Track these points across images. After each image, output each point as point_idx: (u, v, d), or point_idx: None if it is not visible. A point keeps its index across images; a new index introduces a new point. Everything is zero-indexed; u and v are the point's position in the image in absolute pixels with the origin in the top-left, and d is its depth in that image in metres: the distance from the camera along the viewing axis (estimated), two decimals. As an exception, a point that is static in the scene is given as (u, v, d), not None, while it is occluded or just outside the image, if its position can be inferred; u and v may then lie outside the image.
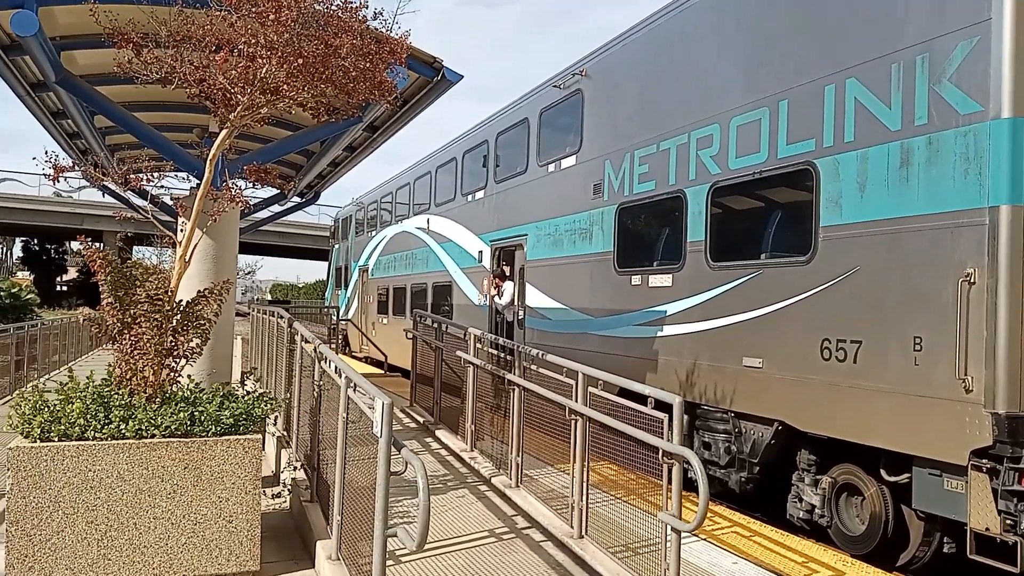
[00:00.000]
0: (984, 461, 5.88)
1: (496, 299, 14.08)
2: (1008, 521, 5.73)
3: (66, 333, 23.09)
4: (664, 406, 5.47)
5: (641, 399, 5.88)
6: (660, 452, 5.23)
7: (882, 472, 7.07)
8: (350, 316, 26.46)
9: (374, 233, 24.13)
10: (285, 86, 6.14)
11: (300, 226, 59.36)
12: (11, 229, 64.02)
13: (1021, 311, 5.79)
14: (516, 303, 13.83)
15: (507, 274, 14.20)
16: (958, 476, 6.13)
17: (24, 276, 63.15)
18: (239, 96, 6.17)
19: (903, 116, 6.61)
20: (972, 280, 5.94)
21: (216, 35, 5.79)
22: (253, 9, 5.62)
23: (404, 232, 20.72)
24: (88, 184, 7.24)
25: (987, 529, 5.88)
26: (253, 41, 5.68)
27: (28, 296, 41.64)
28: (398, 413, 12.33)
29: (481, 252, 15.34)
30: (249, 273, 59.01)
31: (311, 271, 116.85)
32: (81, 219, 52.87)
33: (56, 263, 70.70)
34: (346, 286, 27.70)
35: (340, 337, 27.69)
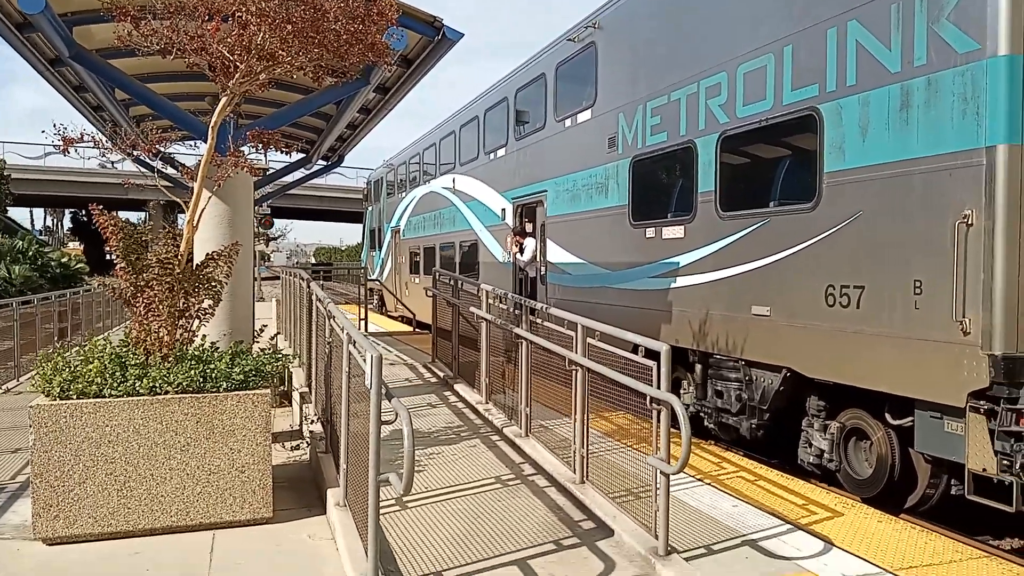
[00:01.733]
0: (982, 403, 5.88)
1: (518, 256, 14.19)
2: (1004, 462, 5.75)
3: (110, 300, 23.79)
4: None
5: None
6: (648, 398, 5.34)
7: (887, 416, 7.11)
8: (384, 277, 26.84)
9: (404, 194, 24.33)
10: (281, 52, 6.27)
11: (338, 189, 59.87)
12: (60, 201, 65.77)
13: (1018, 252, 5.74)
14: (538, 259, 13.93)
15: (528, 231, 14.28)
16: (957, 418, 6.15)
17: (74, 247, 64.87)
18: (237, 63, 6.31)
19: (903, 57, 6.51)
20: (970, 222, 5.89)
21: (208, 4, 5.92)
22: (242, -24, 5.73)
23: (432, 192, 20.88)
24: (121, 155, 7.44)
25: (984, 470, 5.90)
26: (244, 8, 5.80)
27: (77, 266, 42.78)
28: (420, 369, 12.61)
29: (504, 210, 15.43)
30: (280, 236, 59.57)
31: (354, 234, 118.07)
32: (125, 189, 53.98)
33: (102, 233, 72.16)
34: (380, 247, 28.04)
35: (376, 297, 28.15)
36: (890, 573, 5.11)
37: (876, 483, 7.37)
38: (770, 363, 8.17)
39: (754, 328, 8.29)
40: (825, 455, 7.82)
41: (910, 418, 6.74)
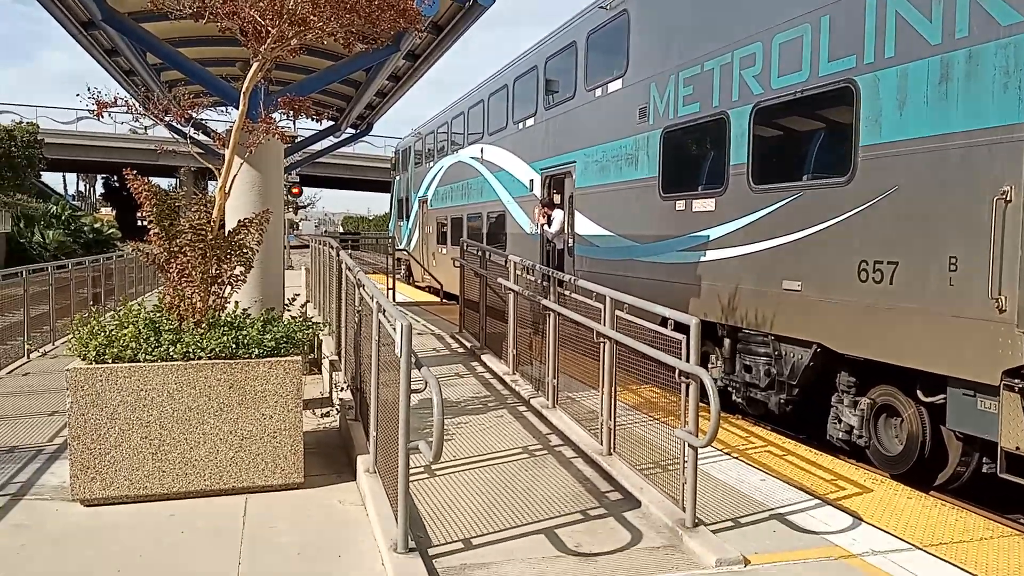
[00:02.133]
0: (1016, 381, 5.82)
1: (546, 227, 14.15)
2: (1038, 440, 5.69)
3: (143, 266, 24.10)
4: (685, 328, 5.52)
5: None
6: (677, 372, 5.33)
7: (919, 393, 7.05)
8: (412, 247, 26.91)
9: (432, 164, 24.31)
10: (312, 17, 6.24)
11: (367, 158, 59.90)
12: (91, 166, 66.38)
13: (1059, 229, 5.62)
14: (566, 231, 13.88)
15: (556, 202, 14.22)
16: (991, 396, 6.08)
17: (106, 212, 65.70)
18: (268, 28, 6.30)
19: (943, 29, 6.36)
20: (1008, 198, 5.78)
21: (242, -32, 5.90)
22: (275, -59, 5.70)
23: (460, 162, 20.84)
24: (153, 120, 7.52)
25: (1017, 448, 5.85)
26: (277, -27, 5.78)
27: (110, 231, 43.38)
28: (448, 339, 12.66)
29: (532, 181, 15.37)
30: (308, 205, 59.79)
31: (381, 203, 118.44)
32: (155, 155, 54.47)
33: (136, 198, 72.97)
34: (407, 217, 28.09)
35: (404, 267, 28.25)
36: (920, 549, 5.09)
37: (906, 460, 7.33)
38: (800, 338, 8.12)
39: (784, 303, 8.23)
40: (855, 431, 7.78)
41: (942, 395, 6.69)
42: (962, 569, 4.79)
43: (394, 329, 5.09)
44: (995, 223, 5.83)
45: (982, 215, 5.96)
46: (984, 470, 6.95)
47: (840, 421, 8.00)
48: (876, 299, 7.03)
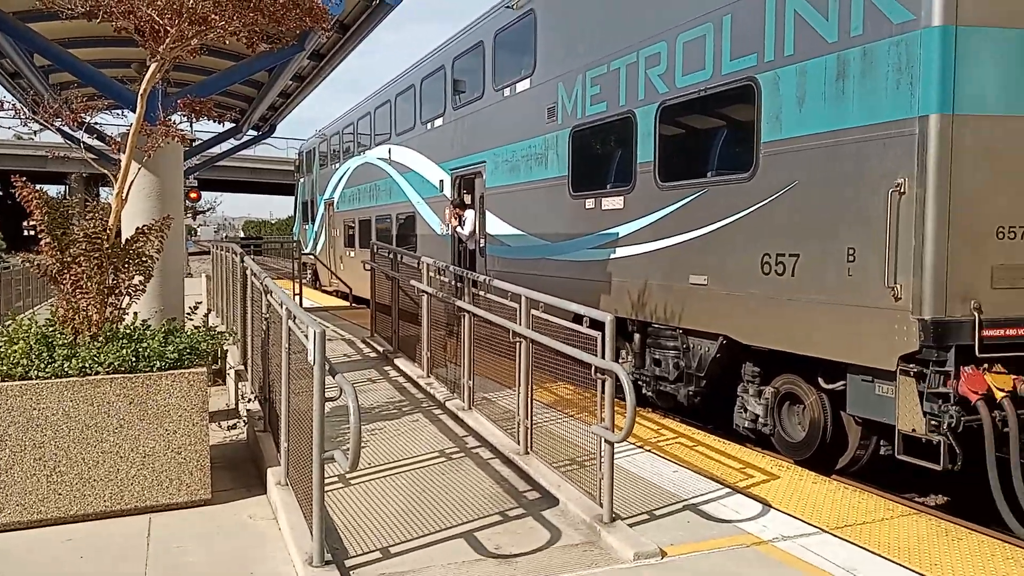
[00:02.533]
0: (912, 366, 6.08)
1: (458, 228, 14.08)
2: (932, 422, 5.97)
3: (31, 278, 22.86)
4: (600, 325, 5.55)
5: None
6: (593, 368, 5.35)
7: (820, 381, 7.30)
8: (318, 250, 26.39)
9: (338, 165, 23.89)
10: (214, 16, 6.01)
11: (268, 160, 58.46)
12: (-28, 174, 62.61)
13: (948, 220, 5.90)
14: (477, 231, 13.84)
15: (467, 203, 14.17)
16: (888, 381, 6.34)
17: (-11, 221, 62.01)
18: (167, 27, 6.03)
19: (840, 27, 6.59)
20: (902, 190, 6.03)
21: (135, -37, 5.63)
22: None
23: (367, 163, 20.54)
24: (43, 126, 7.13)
25: (913, 430, 6.12)
26: (172, -31, 5.53)
27: (-6, 242, 40.99)
28: (359, 344, 12.45)
29: (442, 181, 15.28)
30: (208, 210, 58.10)
31: (284, 206, 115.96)
32: (44, 161, 51.72)
33: (22, 207, 69.28)
34: (313, 220, 27.54)
35: (310, 272, 27.69)
36: (827, 532, 5.26)
37: (809, 446, 7.58)
38: (707, 331, 8.30)
39: (692, 297, 8.40)
40: (760, 420, 8.00)
41: (842, 382, 6.94)
42: (866, 550, 4.97)
43: (306, 336, 4.94)
44: (890, 215, 6.07)
45: (878, 207, 6.20)
46: (882, 452, 7.25)
47: (746, 410, 8.21)
48: (779, 291, 7.24)
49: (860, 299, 6.40)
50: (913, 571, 4.65)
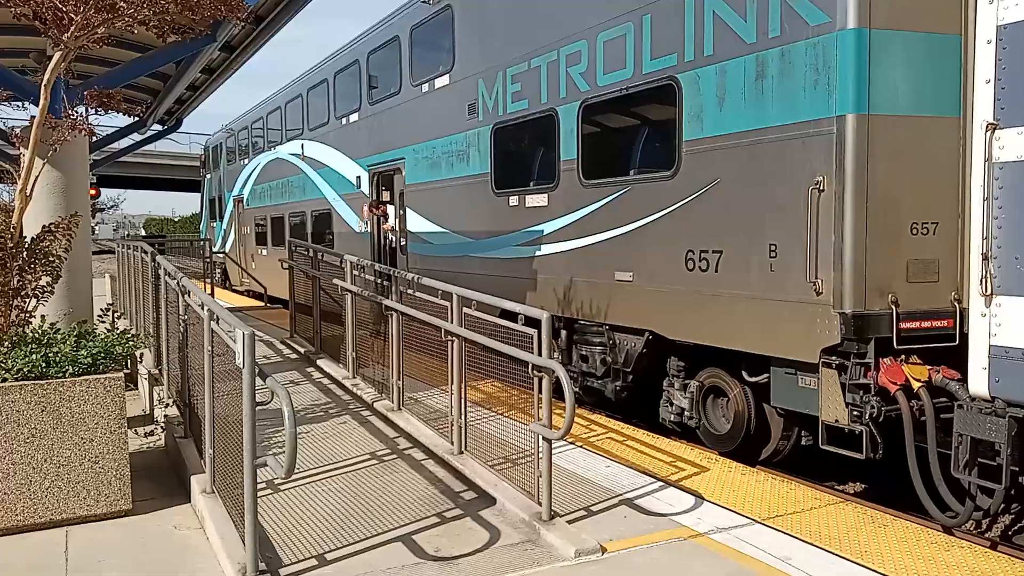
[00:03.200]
0: (833, 358, 6.28)
1: (384, 225, 13.86)
2: (855, 412, 6.18)
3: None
4: (535, 322, 5.54)
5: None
6: (530, 366, 5.34)
7: (744, 374, 7.48)
8: (227, 249, 25.60)
9: (247, 161, 23.22)
10: (122, 3, 5.72)
11: (172, 156, 56.55)
12: None
13: (865, 216, 6.11)
14: (397, 228, 13.67)
15: (387, 199, 13.97)
16: (811, 373, 6.54)
17: None
18: (72, 15, 5.71)
19: (758, 28, 6.75)
20: (821, 188, 6.22)
21: (38, -54, 5.30)
22: (78, -84, 5.16)
23: (278, 159, 20.02)
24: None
25: (836, 421, 6.33)
26: (80, -47, 5.24)
27: None
28: (279, 345, 12.13)
29: (359, 177, 15.02)
30: (112, 207, 55.81)
31: (188, 204, 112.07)
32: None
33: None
34: (221, 218, 26.70)
35: (219, 271, 26.82)
36: (759, 522, 5.39)
37: (734, 438, 7.76)
38: (633, 327, 8.41)
39: (617, 293, 8.49)
40: (686, 413, 8.15)
41: (766, 375, 7.13)
42: (799, 539, 5.11)
43: (233, 339, 4.75)
44: (810, 211, 6.26)
45: (798, 204, 6.38)
46: (803, 443, 7.50)
47: (672, 404, 8.35)
48: (703, 287, 7.39)
49: (782, 294, 6.59)
50: (844, 558, 4.81)
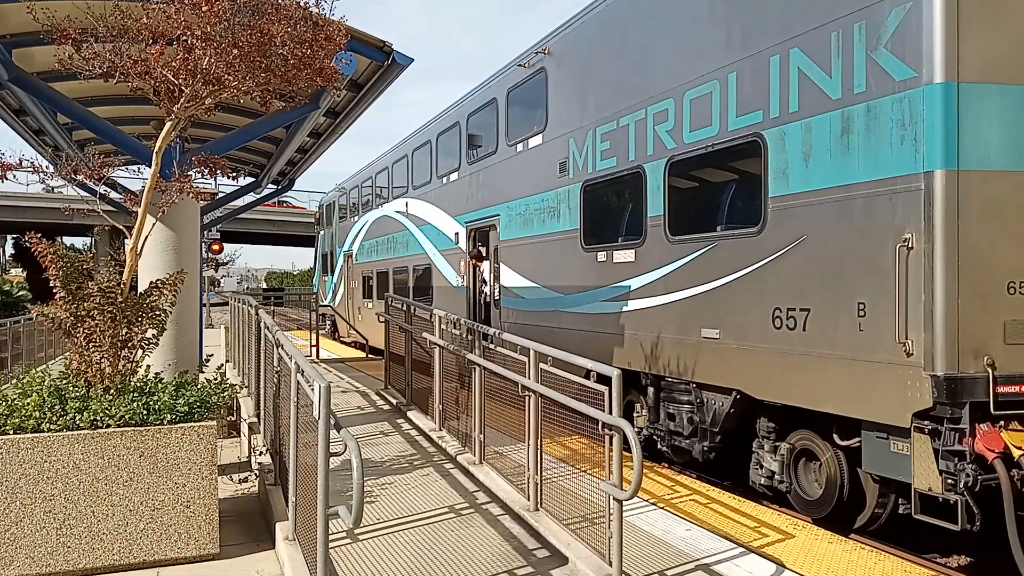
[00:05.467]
0: (926, 423, 6.00)
1: (482, 278, 14.15)
2: (949, 481, 5.86)
3: (52, 330, 23.11)
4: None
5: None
6: (600, 424, 5.33)
7: (835, 437, 7.21)
8: (336, 302, 26.57)
9: (356, 218, 24.19)
10: (227, 76, 6.19)
11: (290, 213, 59.28)
12: (1, 227, 63.85)
13: (957, 274, 5.87)
14: (490, 283, 13.92)
15: (484, 254, 14.28)
16: (903, 438, 6.25)
17: (17, 273, 63.15)
18: (182, 87, 6.22)
19: (843, 84, 6.67)
20: (910, 245, 6.03)
21: (152, 28, 5.83)
22: (186, 1, 5.66)
23: (385, 216, 20.78)
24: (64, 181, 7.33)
25: (930, 489, 6.01)
26: (188, 32, 5.72)
27: (20, 293, 41.67)
28: (373, 396, 12.46)
29: (457, 234, 15.42)
30: (228, 262, 58.83)
31: (306, 258, 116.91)
32: (69, 215, 52.66)
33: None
34: (332, 272, 27.78)
35: (328, 323, 27.85)
36: (840, 594, 5.15)
37: (826, 504, 7.45)
38: (720, 385, 8.24)
39: (704, 351, 8.36)
40: (776, 476, 7.89)
41: (857, 439, 6.85)
42: (882, 611, 4.86)
43: (312, 390, 4.97)
44: (899, 269, 6.06)
45: (886, 262, 6.19)
46: (900, 511, 7.11)
47: (762, 467, 8.10)
48: (791, 345, 7.21)
49: (872, 354, 6.36)
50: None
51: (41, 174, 6.68)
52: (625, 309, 9.73)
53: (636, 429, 5.26)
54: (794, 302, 7.16)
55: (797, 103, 7.15)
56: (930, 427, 5.99)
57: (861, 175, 6.51)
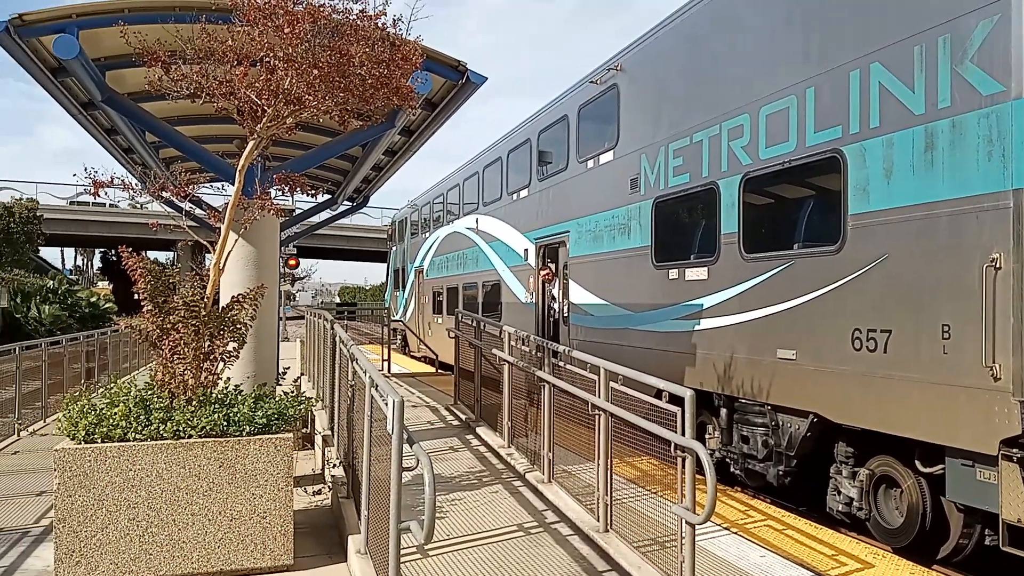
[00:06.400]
0: (1015, 451, 5.74)
1: (553, 294, 14.18)
2: (1040, 511, 5.59)
3: (136, 340, 23.98)
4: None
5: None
6: (672, 446, 5.26)
7: (917, 463, 6.95)
8: (408, 317, 26.92)
9: (428, 234, 24.51)
10: (307, 96, 6.37)
11: (364, 229, 60.47)
12: (90, 241, 66.81)
13: (1050, 296, 5.62)
14: (560, 300, 13.92)
15: (553, 271, 14.30)
16: (990, 466, 5.99)
17: (104, 286, 65.85)
18: (265, 107, 6.43)
19: (927, 99, 6.48)
20: (998, 265, 5.80)
21: (237, 50, 6.04)
22: (270, 23, 5.85)
23: (455, 232, 21.00)
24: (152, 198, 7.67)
25: (1019, 520, 5.74)
26: (271, 54, 5.91)
27: (107, 305, 43.37)
28: (442, 411, 12.55)
29: (527, 250, 15.48)
30: (305, 277, 60.22)
31: (379, 273, 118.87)
32: (154, 230, 54.74)
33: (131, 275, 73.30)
34: (404, 287, 28.18)
35: (400, 337, 28.21)
36: (924, 628, 4.95)
37: (907, 532, 7.18)
38: (797, 408, 8.05)
39: (780, 372, 8.18)
40: (854, 503, 7.65)
41: (941, 466, 6.59)
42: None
43: (386, 404, 5.04)
44: (986, 290, 5.83)
45: (972, 282, 5.97)
46: (987, 542, 6.81)
47: (840, 493, 7.86)
48: (871, 368, 7.00)
49: (957, 378, 6.12)
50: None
51: (131, 191, 6.96)
52: (697, 328, 9.60)
53: (708, 451, 5.16)
54: (875, 323, 6.95)
55: (878, 118, 6.97)
56: (1019, 455, 5.72)
57: (946, 192, 6.30)
